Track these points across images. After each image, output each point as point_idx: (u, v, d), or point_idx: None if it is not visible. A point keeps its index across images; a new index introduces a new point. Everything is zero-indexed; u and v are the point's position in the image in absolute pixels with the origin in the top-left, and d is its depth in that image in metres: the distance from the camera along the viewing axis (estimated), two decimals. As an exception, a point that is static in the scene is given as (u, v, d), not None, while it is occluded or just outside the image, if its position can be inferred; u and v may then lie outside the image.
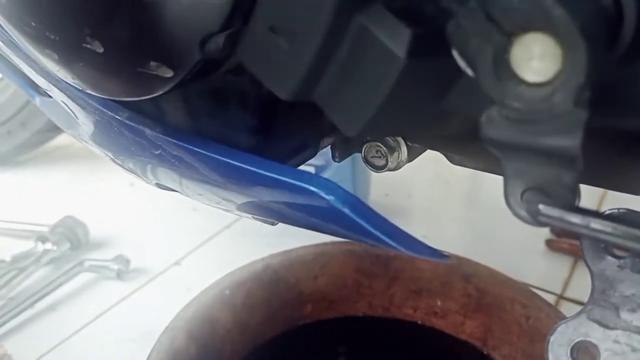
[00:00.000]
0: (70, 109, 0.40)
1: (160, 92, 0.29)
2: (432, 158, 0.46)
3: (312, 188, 0.28)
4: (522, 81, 0.19)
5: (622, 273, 0.29)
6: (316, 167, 0.93)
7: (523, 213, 0.23)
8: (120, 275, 0.86)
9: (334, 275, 0.66)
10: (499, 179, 0.25)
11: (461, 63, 0.21)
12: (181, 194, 0.41)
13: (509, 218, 0.25)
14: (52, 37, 0.29)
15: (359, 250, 0.67)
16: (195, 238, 0.98)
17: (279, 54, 0.25)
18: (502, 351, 0.61)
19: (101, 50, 0.27)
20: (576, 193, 0.22)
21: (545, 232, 0.95)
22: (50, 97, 0.43)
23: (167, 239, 0.99)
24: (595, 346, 0.30)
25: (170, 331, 0.54)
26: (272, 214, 0.37)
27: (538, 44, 0.19)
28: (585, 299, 0.31)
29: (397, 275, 0.66)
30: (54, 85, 0.38)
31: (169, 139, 0.33)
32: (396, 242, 0.27)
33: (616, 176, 0.33)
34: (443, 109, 0.27)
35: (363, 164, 0.43)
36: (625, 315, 0.29)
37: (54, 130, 1.22)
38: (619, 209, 0.27)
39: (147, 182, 0.42)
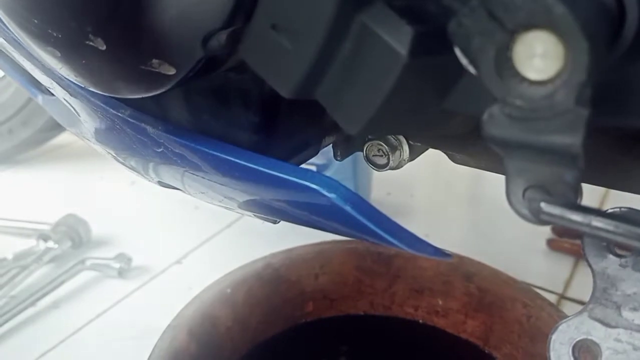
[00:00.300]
0: (73, 107, 0.40)
1: (163, 90, 0.29)
2: (433, 157, 0.46)
3: (314, 186, 0.28)
4: (524, 79, 0.19)
5: (623, 272, 0.29)
6: (317, 166, 0.93)
7: (525, 211, 0.23)
8: (121, 274, 0.87)
9: (335, 273, 0.67)
10: (501, 178, 0.25)
11: (463, 61, 0.21)
12: (183, 192, 0.41)
13: (511, 217, 0.25)
14: (55, 34, 0.29)
15: (360, 248, 0.67)
16: (197, 237, 0.98)
17: (281, 52, 0.25)
18: (503, 350, 0.61)
19: (104, 47, 0.27)
20: (578, 191, 0.22)
21: (546, 232, 0.95)
22: (53, 95, 0.43)
23: (168, 237, 0.99)
24: (596, 345, 0.30)
25: (172, 329, 0.54)
26: (274, 212, 0.37)
27: (540, 42, 0.19)
28: (586, 299, 0.31)
29: (398, 274, 0.66)
30: (57, 83, 0.39)
31: (171, 136, 0.33)
32: (398, 240, 0.27)
33: (618, 175, 0.33)
34: (445, 108, 0.27)
35: (365, 163, 0.43)
36: (626, 314, 0.29)
37: (55, 128, 1.22)
38: (620, 207, 0.27)
39: (149, 180, 0.42)
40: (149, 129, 0.34)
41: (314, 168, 0.93)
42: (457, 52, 0.21)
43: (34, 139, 1.25)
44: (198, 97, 0.34)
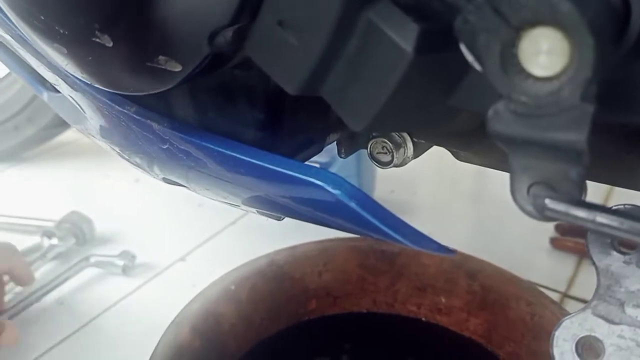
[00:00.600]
0: (78, 104, 0.40)
1: (169, 87, 0.29)
2: (437, 155, 0.46)
3: (319, 182, 0.28)
4: (529, 75, 0.19)
5: (627, 269, 0.30)
6: (321, 164, 0.93)
7: (529, 208, 0.23)
8: (125, 271, 0.87)
9: (339, 271, 0.67)
10: (505, 176, 0.25)
11: (469, 58, 0.21)
12: (188, 188, 0.42)
13: (514, 216, 0.26)
14: (62, 31, 0.29)
15: (364, 246, 0.67)
16: (201, 234, 0.98)
17: (287, 48, 0.25)
18: (507, 348, 0.61)
19: (110, 44, 0.28)
20: (583, 188, 0.22)
21: (550, 231, 0.95)
22: (58, 92, 0.43)
23: (172, 234, 0.99)
24: (600, 341, 0.30)
25: (176, 326, 0.55)
26: (279, 209, 0.37)
27: (546, 38, 0.19)
28: (589, 298, 0.31)
29: (401, 272, 0.66)
30: (62, 80, 0.39)
31: (177, 133, 0.33)
32: (402, 237, 0.28)
33: (622, 173, 0.33)
34: (450, 105, 0.27)
35: (368, 161, 0.43)
36: (630, 311, 0.29)
37: (60, 126, 1.22)
38: (625, 204, 0.27)
39: (154, 177, 0.42)
40: (155, 125, 0.34)
41: (317, 166, 0.93)
42: (463, 48, 0.21)
43: (39, 136, 1.25)
44: (204, 94, 0.34)
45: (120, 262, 0.87)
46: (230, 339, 0.59)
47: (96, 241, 0.96)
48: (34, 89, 0.50)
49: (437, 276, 0.65)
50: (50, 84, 0.43)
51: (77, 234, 0.93)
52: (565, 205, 0.21)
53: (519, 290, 0.60)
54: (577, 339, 0.31)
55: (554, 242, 0.93)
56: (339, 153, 0.45)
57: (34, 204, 1.09)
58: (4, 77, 1.25)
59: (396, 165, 0.42)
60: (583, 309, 0.31)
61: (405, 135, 0.40)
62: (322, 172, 0.28)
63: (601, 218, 0.21)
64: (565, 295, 0.83)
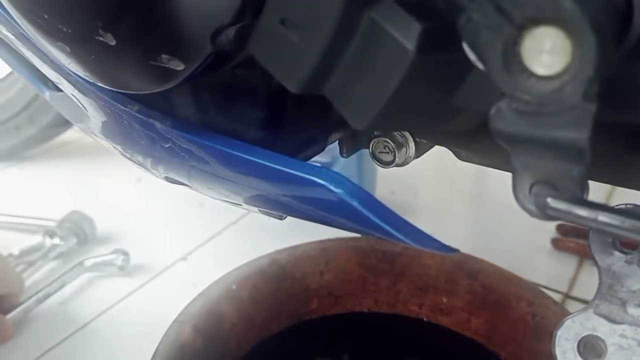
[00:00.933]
0: (81, 103, 0.41)
1: (172, 85, 0.29)
2: (438, 155, 0.46)
3: (321, 181, 0.28)
4: (532, 74, 0.19)
5: (629, 268, 0.30)
6: (322, 163, 0.93)
7: (531, 207, 0.23)
8: (123, 269, 0.87)
9: (340, 271, 0.67)
10: (506, 177, 0.25)
11: (472, 56, 0.21)
12: (190, 187, 0.42)
13: (516, 216, 0.26)
14: (64, 29, 0.29)
15: (365, 246, 0.67)
16: (202, 234, 0.98)
17: (289, 47, 0.25)
18: (508, 349, 0.61)
19: (113, 43, 0.28)
20: (584, 186, 0.22)
21: (551, 231, 0.95)
22: (61, 91, 0.43)
23: (173, 234, 0.99)
24: (602, 341, 0.30)
25: (177, 325, 0.55)
26: (281, 208, 0.37)
27: (548, 37, 0.19)
28: (591, 298, 0.31)
29: (402, 272, 0.66)
30: (65, 79, 0.39)
31: (179, 132, 0.33)
32: (404, 236, 0.28)
33: (624, 172, 0.33)
34: (453, 104, 0.27)
35: (370, 160, 0.43)
36: (632, 310, 0.29)
37: (61, 125, 1.22)
38: (627, 204, 0.27)
39: (156, 176, 0.43)
40: (157, 124, 0.34)
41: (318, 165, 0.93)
42: (465, 47, 0.21)
43: (40, 135, 1.25)
44: (206, 93, 0.35)
45: (118, 262, 0.87)
46: (232, 338, 0.59)
47: (97, 241, 0.96)
48: (36, 87, 0.50)
49: (438, 276, 0.65)
50: (53, 83, 0.43)
51: (78, 234, 0.93)
52: (567, 204, 0.22)
53: (520, 291, 0.61)
54: (579, 338, 0.31)
55: (555, 242, 0.93)
56: (341, 152, 0.45)
57: (35, 204, 1.09)
58: (5, 77, 1.25)
59: (398, 165, 0.42)
60: (585, 309, 0.31)
61: (407, 134, 0.41)
62: (325, 170, 0.28)
63: (603, 217, 0.21)
64: (567, 295, 0.83)
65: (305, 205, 0.33)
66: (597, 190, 0.29)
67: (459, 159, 0.42)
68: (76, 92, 0.39)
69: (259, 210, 0.40)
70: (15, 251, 0.88)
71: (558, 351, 0.31)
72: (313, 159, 0.41)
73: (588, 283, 0.84)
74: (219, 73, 0.30)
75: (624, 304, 0.30)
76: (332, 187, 0.28)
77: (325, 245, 0.67)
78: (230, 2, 0.25)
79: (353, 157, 0.46)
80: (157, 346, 0.51)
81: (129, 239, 0.96)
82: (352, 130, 0.43)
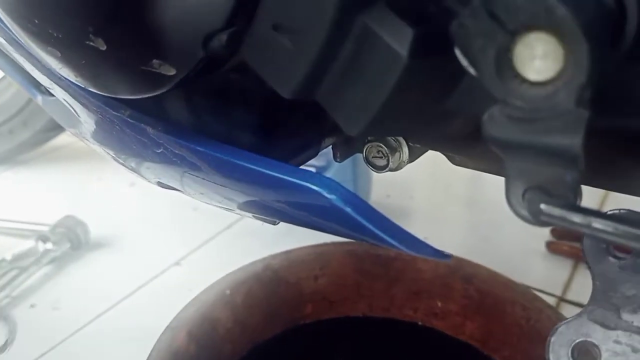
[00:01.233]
0: (72, 107, 0.40)
1: (163, 90, 0.29)
2: (432, 159, 0.46)
3: (314, 187, 0.28)
4: (524, 80, 0.19)
5: (623, 274, 0.29)
6: (317, 168, 0.93)
7: (524, 212, 0.23)
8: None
9: (335, 275, 0.67)
10: (500, 180, 0.25)
11: (464, 62, 0.21)
12: (182, 193, 0.41)
13: (510, 220, 0.25)
14: (55, 34, 0.29)
15: (360, 250, 0.67)
16: (196, 238, 0.98)
17: (282, 52, 0.25)
18: (503, 353, 0.61)
19: (104, 48, 0.27)
20: (578, 192, 0.22)
21: (545, 235, 0.95)
22: (53, 95, 0.43)
23: (167, 238, 0.99)
24: (596, 346, 0.30)
25: (171, 330, 0.55)
26: (274, 213, 0.37)
27: (541, 43, 0.19)
28: (585, 302, 0.31)
29: (397, 276, 0.66)
30: (56, 84, 0.39)
31: (171, 137, 0.33)
32: (398, 242, 0.27)
33: (618, 177, 0.33)
34: (445, 109, 0.27)
35: (364, 165, 0.43)
36: (626, 316, 0.29)
37: (55, 129, 1.22)
38: (620, 209, 0.27)
39: (149, 181, 0.42)
40: (149, 129, 0.34)
41: (313, 170, 0.93)
42: (458, 53, 0.21)
43: (34, 139, 1.25)
44: (199, 98, 0.34)
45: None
46: (226, 343, 0.59)
47: (91, 246, 0.95)
48: (29, 92, 0.49)
49: (432, 281, 0.65)
50: (45, 88, 0.43)
51: (71, 238, 0.93)
52: (561, 210, 0.21)
53: (514, 295, 0.61)
54: (573, 344, 0.31)
55: (550, 246, 0.93)
56: (335, 157, 0.45)
57: (28, 208, 1.09)
58: (-1, 81, 1.25)
59: (392, 170, 0.42)
60: (579, 314, 0.31)
61: (401, 139, 0.40)
62: (317, 176, 0.28)
63: (596, 223, 0.21)
64: (561, 299, 0.83)
65: (299, 211, 0.33)
66: (591, 196, 0.29)
67: (453, 163, 0.41)
68: (68, 97, 0.39)
69: (253, 216, 0.40)
70: (8, 256, 0.88)
71: (552, 357, 0.31)
72: (307, 163, 0.41)
73: (582, 286, 0.84)
74: (212, 78, 0.30)
75: (618, 309, 0.30)
76: (325, 193, 0.27)
77: (319, 250, 0.67)
78: (222, 7, 0.24)
79: (348, 161, 0.46)
80: (151, 352, 0.51)
81: (123, 244, 0.96)
82: (346, 135, 0.42)
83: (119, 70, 0.30)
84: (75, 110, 0.40)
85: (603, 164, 0.31)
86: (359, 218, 0.27)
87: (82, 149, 1.32)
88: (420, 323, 0.66)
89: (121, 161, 0.42)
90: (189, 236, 0.98)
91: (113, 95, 0.32)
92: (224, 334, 0.58)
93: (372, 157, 0.42)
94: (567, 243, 0.92)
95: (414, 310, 0.66)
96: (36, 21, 0.29)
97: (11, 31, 0.34)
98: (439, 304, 0.65)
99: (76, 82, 0.33)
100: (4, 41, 0.40)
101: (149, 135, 0.34)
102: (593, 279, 0.31)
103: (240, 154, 0.31)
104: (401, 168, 0.42)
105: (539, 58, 0.19)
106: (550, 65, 0.19)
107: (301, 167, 0.39)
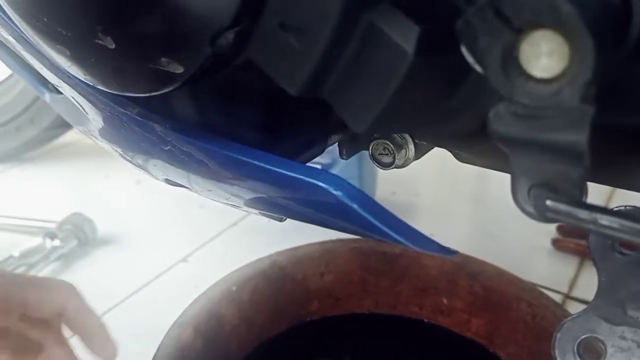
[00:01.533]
0: (80, 105, 0.41)
1: (171, 88, 0.29)
2: (438, 156, 0.46)
3: (321, 184, 0.28)
4: (530, 77, 0.19)
5: (629, 270, 0.30)
6: (323, 165, 0.93)
7: (530, 209, 0.23)
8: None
9: (341, 272, 0.67)
10: (506, 177, 0.25)
11: (470, 59, 0.21)
12: (190, 190, 0.42)
13: (516, 217, 0.26)
14: (64, 33, 0.29)
15: (366, 247, 0.67)
16: (202, 235, 0.98)
17: (288, 50, 0.25)
18: (508, 350, 0.61)
19: (113, 46, 0.28)
20: (584, 189, 0.22)
21: (551, 232, 0.95)
22: (60, 93, 0.43)
23: (174, 235, 0.99)
24: (601, 342, 0.30)
25: (178, 327, 0.55)
26: (281, 210, 0.37)
27: (546, 40, 0.19)
28: (591, 299, 0.31)
29: (403, 273, 0.66)
30: (65, 82, 0.39)
31: (179, 134, 0.33)
32: (404, 238, 0.28)
33: (623, 174, 0.33)
34: (451, 106, 0.27)
35: (369, 162, 0.43)
36: (632, 312, 0.29)
37: (62, 127, 1.23)
38: (626, 206, 0.27)
39: (156, 178, 0.43)
40: (157, 127, 0.34)
41: (319, 167, 0.93)
42: (464, 50, 0.21)
43: (40, 137, 1.25)
44: (206, 96, 0.35)
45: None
46: (232, 340, 0.59)
47: (98, 242, 0.96)
48: (36, 90, 0.50)
49: (438, 277, 0.65)
50: (53, 85, 0.44)
51: (79, 236, 0.93)
52: (566, 207, 0.22)
53: (520, 292, 0.61)
54: (579, 340, 0.31)
55: (555, 243, 0.93)
56: (341, 154, 0.45)
57: (35, 205, 1.09)
58: (5, 79, 1.26)
59: (397, 167, 0.42)
60: (584, 311, 0.31)
61: (407, 136, 0.41)
62: (324, 173, 0.28)
63: (602, 219, 0.21)
64: (567, 296, 0.83)
65: (305, 207, 0.33)
66: (597, 193, 0.29)
67: (458, 160, 0.42)
68: (76, 95, 0.39)
69: (260, 213, 0.40)
70: (16, 253, 0.89)
71: (558, 353, 0.31)
72: (313, 160, 0.41)
73: (588, 284, 0.83)
74: (218, 76, 0.30)
75: (623, 305, 0.30)
76: (331, 190, 0.28)
77: (326, 247, 0.67)
78: (229, 5, 0.25)
79: (353, 158, 0.46)
80: (157, 348, 0.52)
81: (130, 241, 0.97)
82: (352, 132, 0.43)
83: (127, 69, 0.30)
84: (83, 108, 0.40)
85: (609, 160, 0.31)
86: (365, 214, 0.27)
87: (89, 147, 1.33)
88: (426, 320, 0.66)
89: (128, 158, 0.43)
90: (195, 233, 0.99)
91: (121, 93, 0.33)
92: (230, 330, 0.59)
93: (378, 154, 0.42)
94: (573, 240, 0.92)
95: (420, 307, 0.67)
96: (45, 19, 0.29)
97: (20, 29, 0.34)
98: (445, 300, 0.65)
99: (84, 80, 0.33)
100: (12, 39, 0.41)
101: (156, 132, 0.34)
102: (599, 275, 0.31)
103: (246, 151, 0.31)
104: (407, 165, 0.42)
105: (544, 55, 0.19)
106: (555, 62, 0.19)
107: (308, 163, 0.39)
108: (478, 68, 0.21)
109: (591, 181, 0.28)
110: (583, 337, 0.31)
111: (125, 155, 0.42)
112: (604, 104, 0.20)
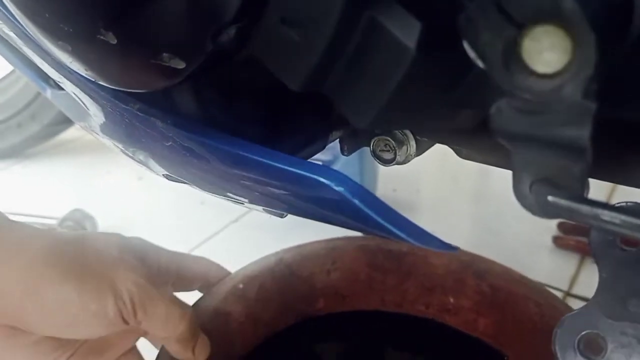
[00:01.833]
0: (82, 101, 0.41)
1: (172, 83, 0.29)
2: (440, 153, 0.46)
3: (323, 179, 0.28)
4: (532, 72, 0.19)
5: (630, 266, 0.30)
6: (323, 161, 0.94)
7: (532, 204, 0.23)
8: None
9: (347, 270, 0.67)
10: (507, 174, 0.25)
11: (471, 55, 0.21)
12: (191, 186, 0.42)
13: (517, 214, 0.26)
14: (66, 28, 0.29)
15: (372, 245, 0.67)
16: (203, 231, 0.98)
17: (290, 46, 0.25)
18: (515, 349, 0.60)
19: (115, 41, 0.28)
20: (585, 184, 0.22)
21: (552, 229, 0.95)
22: (62, 89, 0.43)
23: (175, 232, 0.99)
24: (602, 338, 0.30)
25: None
26: (282, 206, 0.37)
27: (548, 35, 0.19)
28: (592, 296, 0.31)
29: (410, 271, 0.66)
30: (66, 77, 0.39)
31: (180, 130, 0.33)
32: (405, 234, 0.28)
33: (624, 170, 0.33)
34: (453, 102, 0.27)
35: (370, 159, 0.43)
36: (632, 308, 0.29)
37: (63, 123, 1.23)
38: (627, 202, 0.27)
39: (157, 174, 0.43)
40: (159, 122, 0.34)
41: (320, 163, 0.93)
42: (465, 46, 0.21)
43: (42, 133, 1.25)
44: (207, 91, 0.35)
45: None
46: (238, 337, 0.59)
47: (99, 239, 0.96)
48: (38, 86, 0.50)
49: (445, 276, 0.65)
50: (54, 81, 0.44)
51: (80, 232, 0.94)
52: (568, 202, 0.22)
53: (527, 291, 0.60)
54: (579, 335, 0.31)
55: (556, 240, 0.93)
56: (342, 151, 0.45)
57: (37, 201, 1.10)
58: (7, 75, 1.26)
59: (399, 163, 0.42)
60: (585, 306, 0.31)
61: (408, 132, 0.41)
62: (326, 169, 0.29)
63: (604, 215, 0.21)
64: (568, 293, 0.83)
65: (307, 203, 0.33)
66: (599, 188, 0.29)
67: (459, 156, 0.42)
68: (77, 91, 0.39)
69: (262, 209, 0.40)
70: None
71: (558, 348, 0.31)
72: (314, 157, 0.41)
73: (589, 281, 0.83)
74: (220, 72, 0.30)
75: (624, 301, 0.30)
76: (333, 186, 0.28)
77: (332, 245, 0.67)
78: (231, 1, 0.25)
79: (354, 155, 0.46)
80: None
81: (131, 237, 0.96)
82: (353, 129, 0.43)
83: (129, 64, 0.30)
84: (84, 104, 0.40)
85: (610, 156, 0.31)
86: (367, 210, 0.27)
87: (90, 143, 1.33)
88: (432, 318, 0.66)
89: (130, 154, 0.43)
90: (196, 229, 0.99)
91: (123, 89, 0.33)
92: (236, 328, 0.59)
93: (379, 150, 0.42)
94: (574, 238, 0.92)
95: (427, 306, 0.66)
96: (47, 15, 0.29)
97: (21, 25, 0.34)
98: (452, 299, 0.65)
99: (86, 76, 0.33)
100: (13, 35, 0.41)
101: (158, 128, 0.34)
102: (600, 271, 0.31)
103: (248, 147, 0.31)
104: (408, 161, 0.42)
105: (546, 50, 0.19)
106: (557, 57, 0.19)
107: (309, 159, 0.39)
108: (480, 64, 0.21)
109: (592, 177, 0.28)
110: (584, 332, 0.31)
111: (126, 151, 0.42)
112: (606, 98, 0.20)
